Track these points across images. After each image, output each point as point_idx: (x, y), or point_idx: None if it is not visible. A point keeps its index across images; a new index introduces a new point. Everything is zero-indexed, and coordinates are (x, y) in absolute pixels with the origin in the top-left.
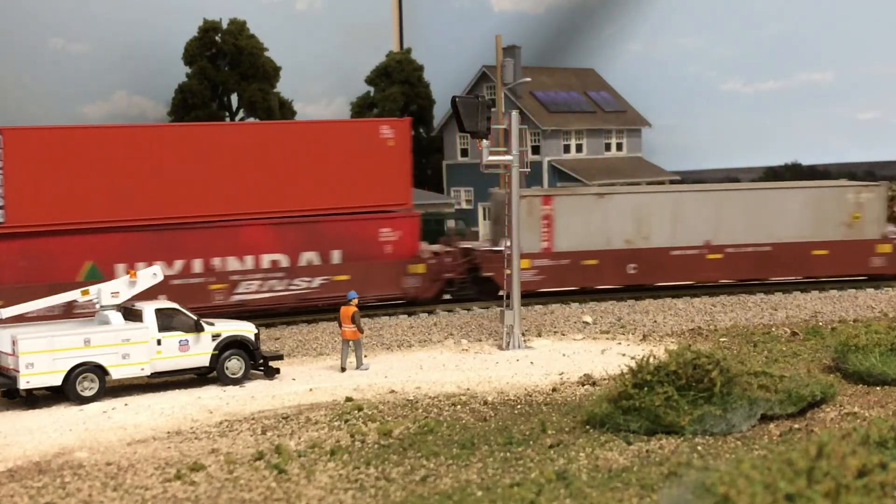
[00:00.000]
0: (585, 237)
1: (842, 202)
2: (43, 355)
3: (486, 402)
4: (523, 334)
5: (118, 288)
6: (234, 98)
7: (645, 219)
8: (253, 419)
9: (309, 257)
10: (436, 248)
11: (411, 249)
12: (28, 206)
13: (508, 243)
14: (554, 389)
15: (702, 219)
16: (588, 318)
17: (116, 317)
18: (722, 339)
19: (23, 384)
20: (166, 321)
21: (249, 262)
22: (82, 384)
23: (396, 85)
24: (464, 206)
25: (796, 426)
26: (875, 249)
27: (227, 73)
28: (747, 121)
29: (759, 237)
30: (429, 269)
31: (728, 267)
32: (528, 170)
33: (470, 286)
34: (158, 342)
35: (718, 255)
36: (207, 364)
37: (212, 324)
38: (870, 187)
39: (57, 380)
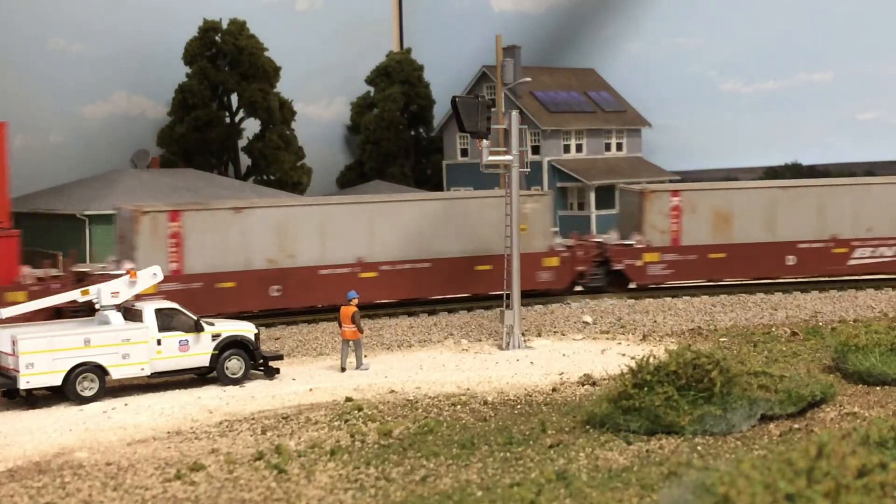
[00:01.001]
0: (221, 257)
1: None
2: (43, 355)
3: (486, 402)
4: (523, 334)
5: (118, 288)
6: (235, 98)
7: (290, 235)
8: (253, 419)
9: None
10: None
11: (6, 275)
12: None
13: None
14: (554, 389)
15: (353, 234)
16: (588, 318)
17: (116, 317)
18: (722, 339)
19: (23, 384)
20: (166, 321)
21: None
22: (82, 384)
23: (396, 85)
24: None
25: (796, 426)
26: (542, 263)
27: (227, 73)
28: (747, 121)
29: (417, 253)
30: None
31: (384, 286)
32: (528, 170)
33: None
34: (158, 342)
35: (373, 274)
36: (207, 364)
37: (212, 324)
38: (535, 196)
39: (57, 380)
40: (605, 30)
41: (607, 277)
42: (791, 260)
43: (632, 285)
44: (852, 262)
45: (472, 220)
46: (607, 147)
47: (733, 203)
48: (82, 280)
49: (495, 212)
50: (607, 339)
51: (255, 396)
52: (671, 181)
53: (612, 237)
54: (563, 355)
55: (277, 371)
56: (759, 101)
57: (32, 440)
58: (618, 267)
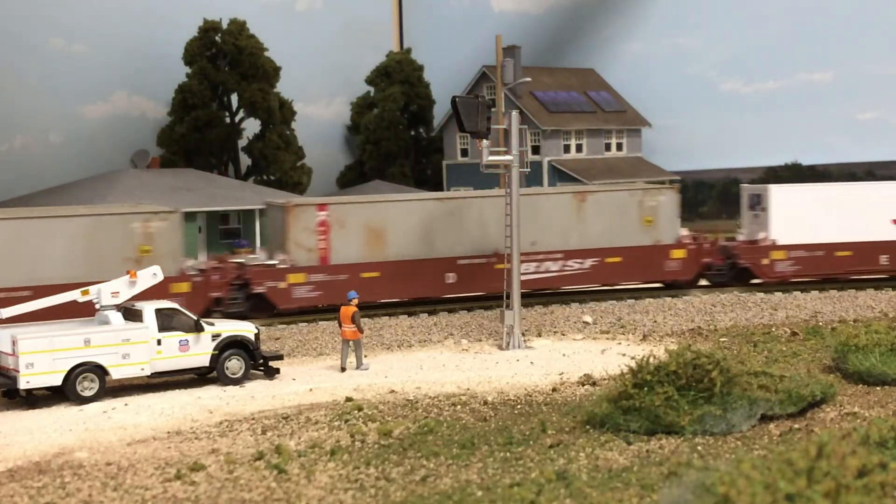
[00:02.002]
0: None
1: (125, 234)
2: (43, 355)
3: (486, 402)
4: (523, 334)
5: (118, 288)
6: (235, 98)
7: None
8: (253, 419)
9: None
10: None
11: None
12: None
13: None
14: (554, 389)
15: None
16: (588, 318)
17: (116, 317)
18: (722, 339)
19: (23, 384)
20: (166, 321)
21: None
22: (82, 384)
23: (396, 85)
24: None
25: (796, 426)
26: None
27: (227, 73)
28: (747, 121)
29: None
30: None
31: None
32: (528, 170)
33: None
34: (158, 342)
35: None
36: (207, 364)
37: (212, 324)
38: (161, 215)
39: (57, 380)
40: (605, 30)
41: (248, 302)
42: (451, 277)
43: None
44: None
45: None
46: (607, 147)
47: (386, 217)
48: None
49: (110, 233)
50: (607, 339)
51: (255, 396)
52: (671, 181)
53: (259, 257)
54: (563, 355)
55: (277, 371)
56: (759, 101)
57: (32, 440)
58: (259, 290)
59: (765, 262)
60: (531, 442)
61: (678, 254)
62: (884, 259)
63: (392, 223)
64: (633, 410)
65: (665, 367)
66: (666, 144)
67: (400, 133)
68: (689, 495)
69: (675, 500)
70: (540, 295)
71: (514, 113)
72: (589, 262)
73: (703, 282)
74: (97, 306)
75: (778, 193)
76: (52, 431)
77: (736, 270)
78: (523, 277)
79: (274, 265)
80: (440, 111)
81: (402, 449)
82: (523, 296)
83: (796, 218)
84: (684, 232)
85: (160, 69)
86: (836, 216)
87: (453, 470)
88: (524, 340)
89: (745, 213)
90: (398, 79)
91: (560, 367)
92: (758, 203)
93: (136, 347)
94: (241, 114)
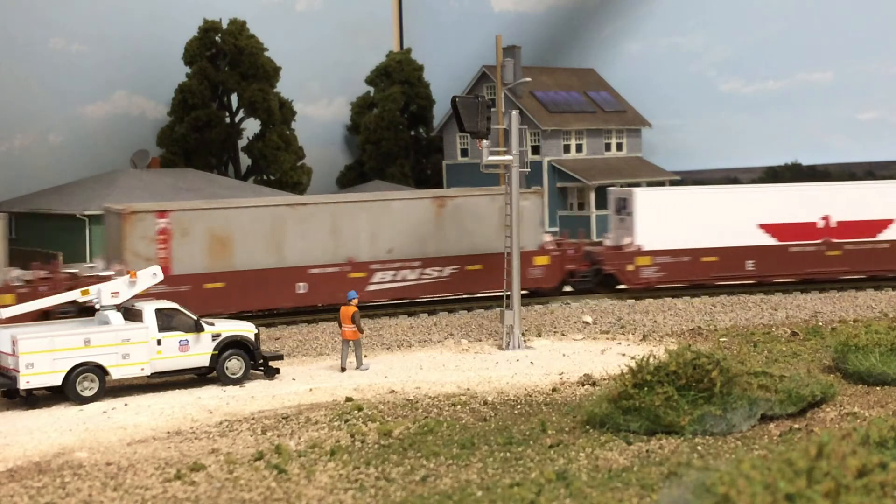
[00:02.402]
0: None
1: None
2: (43, 355)
3: (486, 402)
4: (523, 334)
5: (118, 288)
6: (235, 98)
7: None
8: (253, 419)
9: None
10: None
11: None
12: None
13: None
14: (554, 389)
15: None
16: (588, 318)
17: (116, 317)
18: (722, 339)
19: (23, 384)
20: (166, 321)
21: None
22: (82, 384)
23: (396, 85)
24: None
25: (796, 426)
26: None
27: (227, 73)
28: (747, 121)
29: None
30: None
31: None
32: (528, 170)
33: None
34: (158, 342)
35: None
36: (207, 364)
37: (212, 324)
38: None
39: (57, 380)
40: (605, 30)
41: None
42: (302, 287)
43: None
44: (372, 287)
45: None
46: (607, 147)
47: (233, 224)
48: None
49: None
50: (607, 339)
51: (255, 396)
52: (671, 181)
53: (97, 267)
54: (563, 355)
55: (277, 371)
56: (759, 101)
57: (32, 440)
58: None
59: (630, 268)
60: (531, 442)
61: (541, 260)
62: (750, 264)
63: (239, 231)
64: (633, 410)
65: (665, 367)
66: (666, 144)
67: (400, 133)
68: (689, 495)
69: (675, 500)
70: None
71: (514, 113)
72: (448, 270)
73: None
74: (97, 306)
75: (643, 197)
76: (52, 431)
77: (601, 277)
78: (378, 287)
79: (110, 276)
80: (440, 111)
81: (402, 449)
82: (379, 307)
83: (662, 223)
84: (548, 238)
85: (160, 69)
86: (702, 221)
87: (453, 470)
88: (524, 340)
89: (613, 218)
90: (398, 79)
91: (560, 367)
92: (624, 207)
93: (136, 347)
94: (241, 114)
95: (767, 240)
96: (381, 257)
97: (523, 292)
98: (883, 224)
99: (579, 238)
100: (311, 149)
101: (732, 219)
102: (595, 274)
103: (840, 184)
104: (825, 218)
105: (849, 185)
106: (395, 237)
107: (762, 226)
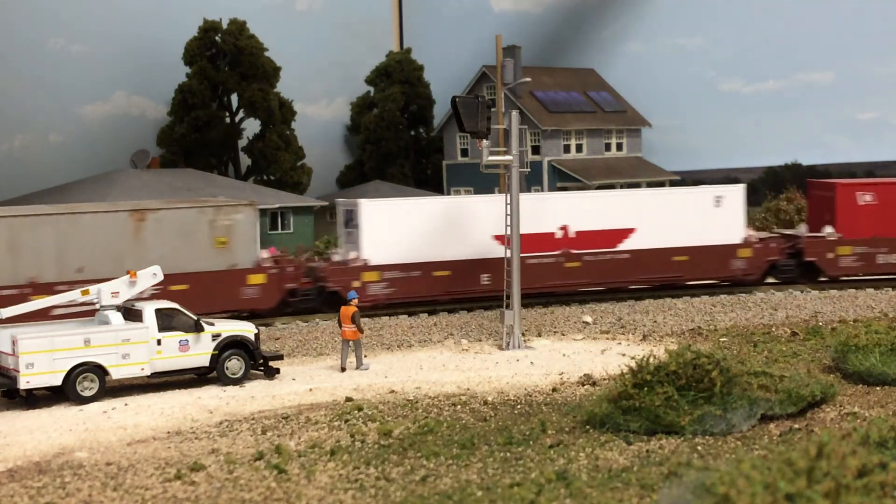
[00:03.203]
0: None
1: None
2: (43, 355)
3: (486, 402)
4: (523, 334)
5: (118, 288)
6: (235, 98)
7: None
8: (253, 419)
9: None
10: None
11: None
12: None
13: None
14: (554, 389)
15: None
16: (588, 318)
17: (116, 317)
18: (722, 339)
19: (23, 384)
20: (166, 321)
21: None
22: (82, 384)
23: (396, 85)
24: None
25: (796, 426)
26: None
27: (227, 73)
28: (747, 121)
29: None
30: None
31: None
32: (528, 170)
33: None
34: (158, 342)
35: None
36: (207, 364)
37: (212, 324)
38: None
39: (57, 380)
40: (605, 30)
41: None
42: None
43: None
44: (60, 311)
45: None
46: (607, 147)
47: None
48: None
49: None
50: (607, 339)
51: (255, 396)
52: (671, 181)
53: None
54: (563, 355)
55: (277, 371)
56: (759, 101)
57: (32, 440)
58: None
59: (356, 284)
60: (531, 442)
61: (256, 279)
62: (486, 278)
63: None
64: (633, 410)
65: (665, 367)
66: (666, 144)
67: (400, 133)
68: (689, 495)
69: (675, 500)
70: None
71: (514, 113)
72: (149, 291)
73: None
74: (97, 306)
75: (369, 209)
76: (52, 431)
77: (326, 294)
78: (67, 311)
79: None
80: (440, 111)
81: (402, 449)
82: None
83: (391, 235)
84: (265, 254)
85: (160, 69)
86: (434, 233)
87: (453, 470)
88: (524, 340)
89: (342, 231)
90: (398, 79)
91: (560, 367)
92: (351, 220)
93: (136, 347)
94: (241, 114)
95: (504, 252)
96: (70, 278)
97: (233, 313)
98: (623, 233)
99: (300, 253)
100: (311, 149)
101: (467, 230)
102: (319, 292)
103: (580, 193)
104: (563, 228)
105: (588, 194)
106: (87, 255)
107: (498, 237)
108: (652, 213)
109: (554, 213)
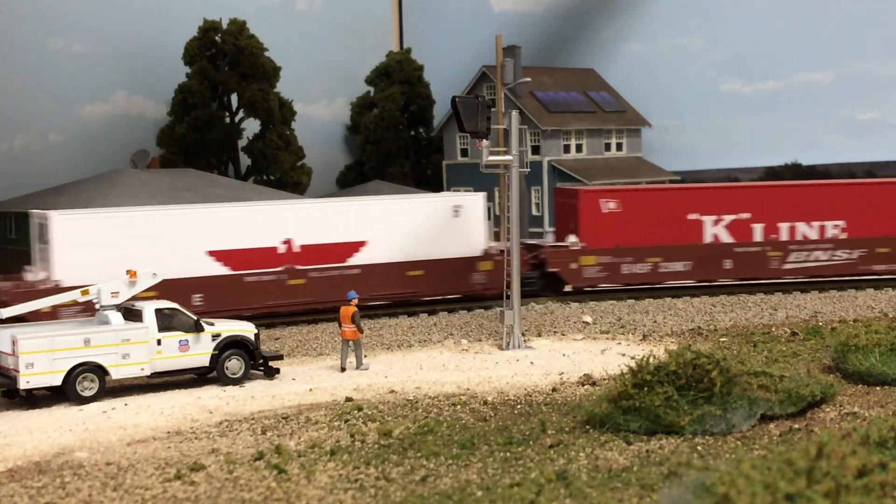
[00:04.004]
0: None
1: None
2: (43, 355)
3: (486, 402)
4: (523, 334)
5: (118, 288)
6: (235, 98)
7: None
8: (253, 419)
9: None
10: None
11: None
12: None
13: None
14: (554, 389)
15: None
16: (588, 318)
17: (116, 317)
18: (722, 339)
19: (23, 384)
20: (166, 321)
21: None
22: (82, 384)
23: (396, 85)
24: None
25: (796, 426)
26: None
27: (227, 73)
28: (747, 121)
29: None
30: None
31: None
32: (528, 170)
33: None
34: (158, 342)
35: None
36: (207, 364)
37: (212, 324)
38: None
39: (57, 380)
40: (605, 30)
41: None
42: None
43: None
44: None
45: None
46: (607, 147)
47: None
48: None
49: None
50: (607, 339)
51: (255, 396)
52: (671, 181)
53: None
54: (563, 355)
55: (277, 371)
56: (759, 101)
57: (32, 440)
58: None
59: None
60: (531, 442)
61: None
62: (198, 299)
63: None
64: (633, 410)
65: (665, 367)
66: (666, 144)
67: (400, 133)
68: (689, 495)
69: (675, 500)
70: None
71: (514, 113)
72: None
73: None
74: (97, 306)
75: (62, 223)
76: (52, 431)
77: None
78: None
79: None
80: (440, 111)
81: (402, 449)
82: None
83: (87, 253)
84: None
85: (160, 69)
86: (140, 249)
87: (453, 470)
88: (524, 340)
89: (36, 247)
90: (398, 79)
91: (560, 367)
92: (43, 235)
93: (136, 347)
94: (241, 114)
95: (219, 269)
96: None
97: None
98: (354, 247)
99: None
100: (311, 149)
101: (177, 246)
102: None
103: (306, 202)
104: (287, 242)
105: (316, 203)
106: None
107: (212, 253)
108: (385, 225)
109: (277, 224)
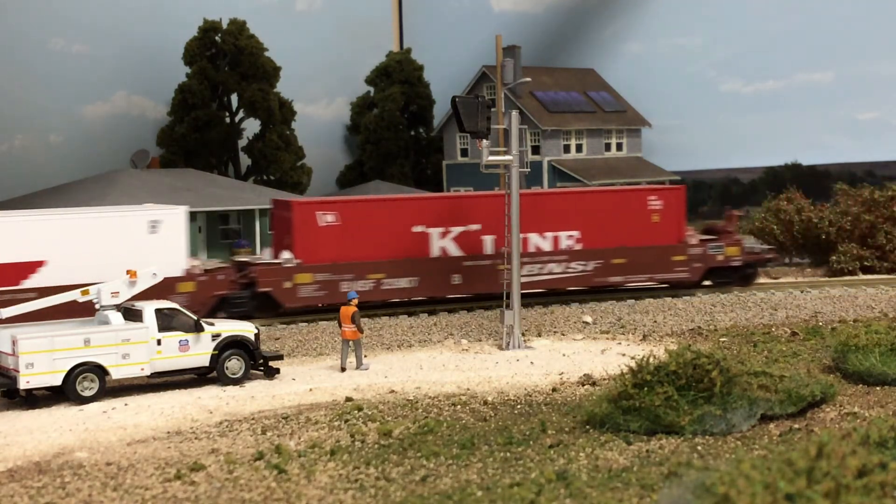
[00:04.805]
0: None
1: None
2: (43, 355)
3: (486, 402)
4: (523, 334)
5: (118, 288)
6: (235, 98)
7: None
8: (253, 419)
9: None
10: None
11: None
12: None
13: None
14: (554, 389)
15: None
16: (588, 318)
17: (116, 317)
18: (722, 339)
19: (23, 384)
20: (166, 321)
21: None
22: (82, 384)
23: (396, 85)
24: None
25: (796, 426)
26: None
27: (227, 73)
28: (747, 121)
29: None
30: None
31: None
32: (528, 170)
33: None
34: (158, 342)
35: None
36: (207, 364)
37: (212, 324)
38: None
39: (57, 380)
40: (605, 30)
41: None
42: None
43: None
44: None
45: None
46: (607, 147)
47: None
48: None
49: None
50: (607, 339)
51: (255, 396)
52: (671, 181)
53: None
54: (563, 355)
55: (277, 371)
56: (759, 101)
57: (32, 440)
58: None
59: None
60: (531, 442)
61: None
62: None
63: None
64: (633, 410)
65: (665, 367)
66: (666, 144)
67: (400, 133)
68: (689, 495)
69: (675, 500)
70: (539, 295)
71: (514, 113)
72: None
73: None
74: (97, 306)
75: None
76: (52, 431)
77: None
78: None
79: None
80: (440, 111)
81: (402, 449)
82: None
83: None
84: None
85: (160, 69)
86: None
87: (453, 470)
88: (524, 340)
89: None
90: (398, 79)
91: (560, 367)
92: None
93: (136, 347)
94: (241, 114)
95: None
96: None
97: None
98: (30, 267)
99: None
100: (311, 149)
101: None
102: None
103: None
104: None
105: None
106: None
107: None
108: (67, 242)
109: None
